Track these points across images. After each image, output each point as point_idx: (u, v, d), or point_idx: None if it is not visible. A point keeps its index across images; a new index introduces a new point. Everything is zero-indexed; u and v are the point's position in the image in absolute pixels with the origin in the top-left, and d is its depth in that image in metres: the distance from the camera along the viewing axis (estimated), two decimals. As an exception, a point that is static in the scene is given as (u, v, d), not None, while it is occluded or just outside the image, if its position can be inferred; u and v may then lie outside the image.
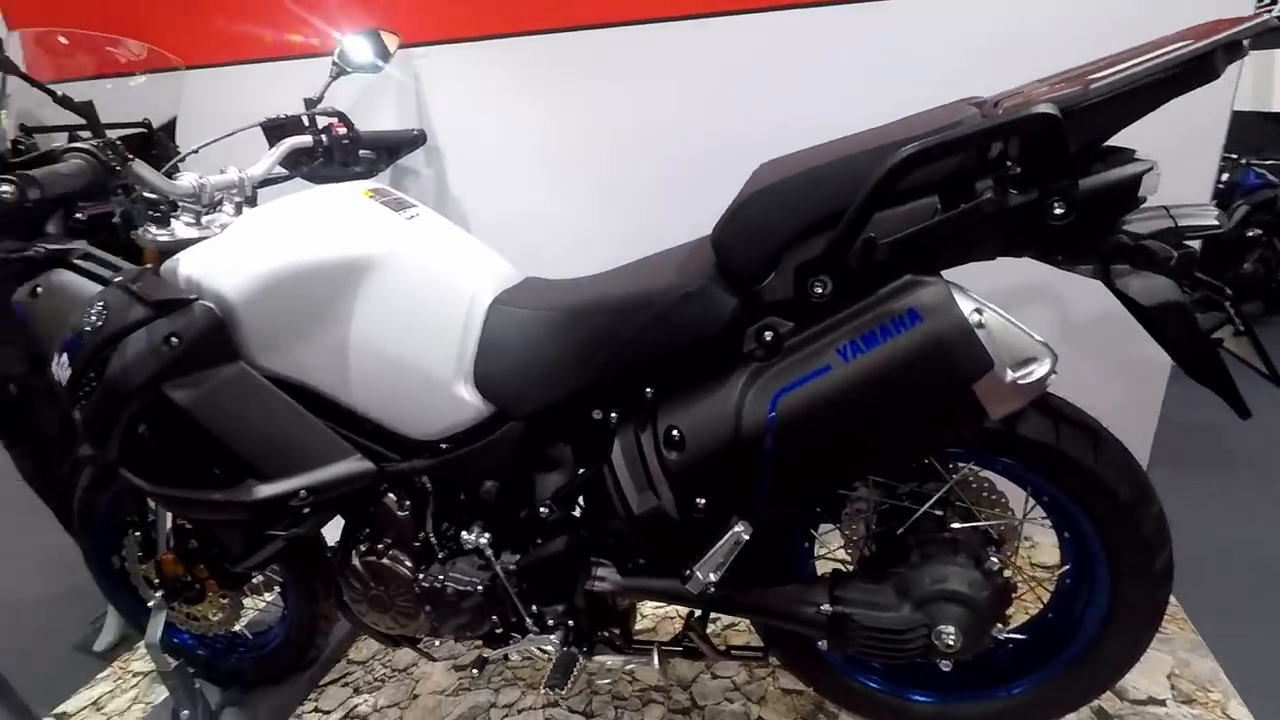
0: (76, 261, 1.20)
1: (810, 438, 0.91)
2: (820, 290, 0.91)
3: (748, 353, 0.95)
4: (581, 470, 1.15)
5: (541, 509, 1.15)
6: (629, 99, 1.61)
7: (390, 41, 1.59)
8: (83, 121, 1.13)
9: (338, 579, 1.27)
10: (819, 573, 1.19)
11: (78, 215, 1.13)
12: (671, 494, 0.98)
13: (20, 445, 1.92)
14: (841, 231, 0.86)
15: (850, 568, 1.18)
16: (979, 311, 0.83)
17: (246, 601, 1.57)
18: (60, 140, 1.28)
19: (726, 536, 0.96)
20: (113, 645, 1.98)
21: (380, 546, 1.20)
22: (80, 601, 2.00)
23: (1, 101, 1.18)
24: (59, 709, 1.75)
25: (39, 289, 1.19)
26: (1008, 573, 1.05)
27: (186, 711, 1.54)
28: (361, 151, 1.52)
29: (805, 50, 1.52)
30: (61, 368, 1.12)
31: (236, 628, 1.59)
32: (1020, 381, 0.83)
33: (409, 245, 1.10)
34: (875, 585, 1.06)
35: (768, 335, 0.94)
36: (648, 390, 1.03)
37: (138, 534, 1.46)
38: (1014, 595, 1.06)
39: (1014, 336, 0.84)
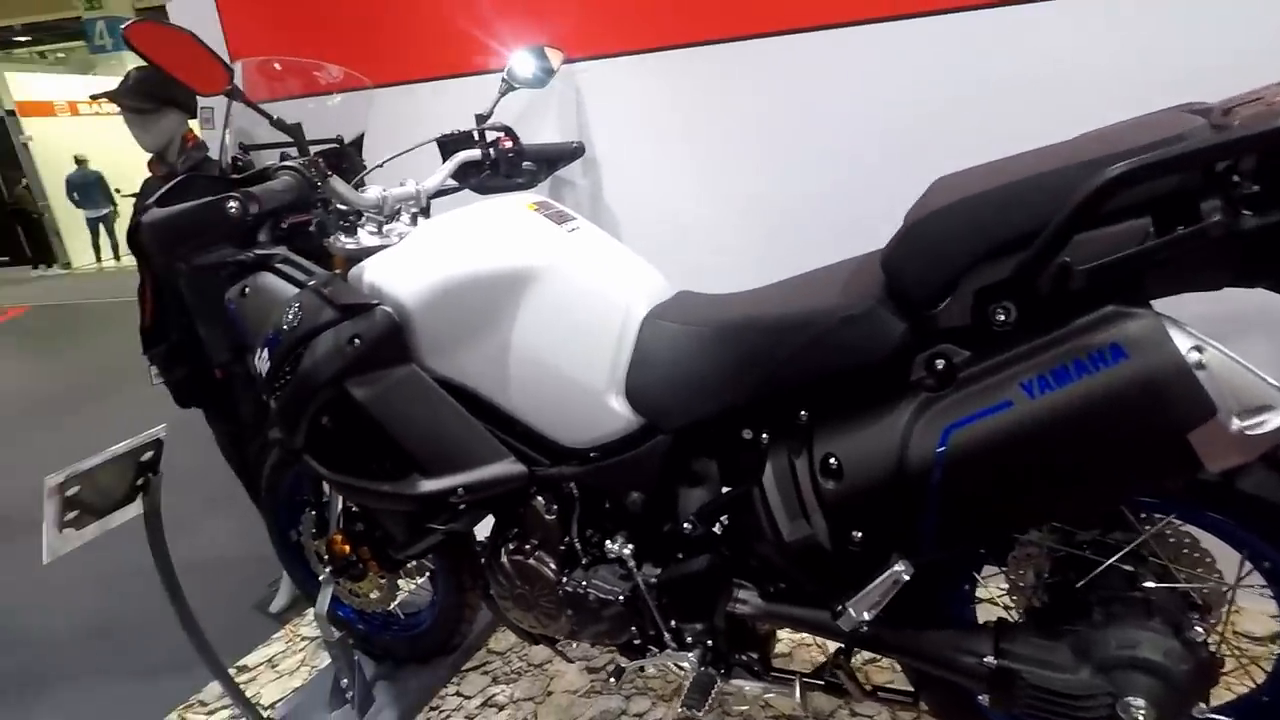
0: (278, 265, 1.33)
1: (984, 477, 0.84)
2: (1003, 318, 0.83)
3: (915, 381, 0.89)
4: (727, 489, 1.13)
5: (685, 524, 1.14)
6: (785, 111, 1.56)
7: (554, 57, 1.65)
8: (290, 141, 1.25)
9: (485, 574, 1.32)
10: (980, 619, 1.10)
11: (282, 225, 1.25)
12: (826, 524, 0.94)
13: (221, 424, 2.17)
14: (1035, 254, 0.78)
15: (1016, 617, 1.08)
16: (1199, 349, 0.73)
17: (402, 583, 1.67)
18: (270, 157, 1.43)
19: (885, 575, 0.90)
20: (285, 608, 2.19)
21: (527, 547, 1.24)
22: (261, 566, 2.22)
23: (227, 124, 1.33)
24: (241, 661, 1.95)
25: (247, 289, 1.33)
26: (1214, 644, 0.92)
27: (345, 680, 1.66)
28: (524, 163, 1.58)
29: (978, 57, 1.41)
30: (262, 361, 1.24)
31: (391, 607, 1.70)
32: (1249, 433, 0.72)
33: (569, 258, 1.13)
34: (1048, 641, 0.97)
35: (939, 364, 0.88)
36: (802, 413, 0.99)
37: (313, 513, 1.59)
38: (1221, 671, 0.93)
39: (1242, 379, 0.73)
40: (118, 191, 10.52)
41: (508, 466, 1.16)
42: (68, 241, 11.54)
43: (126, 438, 1.36)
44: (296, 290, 1.27)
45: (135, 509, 1.43)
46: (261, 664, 1.94)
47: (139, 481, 1.42)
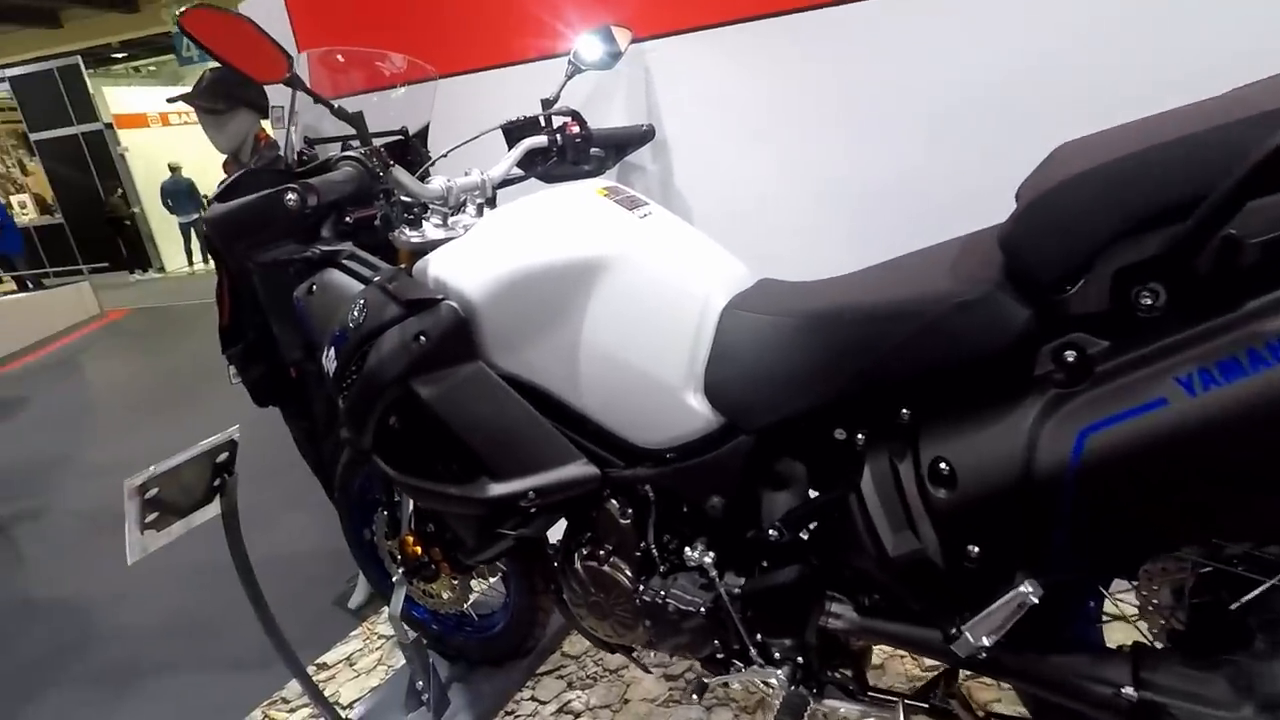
0: (344, 261, 1.30)
1: (1130, 487, 0.72)
2: (1150, 302, 0.71)
3: (1041, 376, 0.78)
4: (817, 493, 1.04)
5: (770, 531, 1.05)
6: (871, 83, 1.44)
7: (622, 37, 1.57)
8: (353, 131, 1.22)
9: (558, 579, 1.27)
10: (1108, 640, 0.98)
11: (347, 219, 1.21)
12: (937, 538, 0.84)
13: (297, 422, 2.20)
14: (1196, 226, 0.66)
15: (1151, 639, 0.95)
16: None
17: (474, 584, 1.64)
18: (334, 150, 1.40)
19: (1009, 597, 0.79)
20: (363, 604, 2.21)
21: (601, 553, 1.17)
22: (340, 561, 2.24)
23: (291, 118, 1.30)
24: (320, 659, 1.97)
25: (314, 287, 1.31)
26: None
27: (421, 683, 1.64)
28: (592, 149, 1.51)
29: (1093, 18, 1.26)
30: (329, 360, 1.21)
31: (464, 608, 1.67)
32: None
33: (642, 245, 1.06)
34: (1200, 672, 0.84)
35: (1070, 356, 0.76)
36: (904, 411, 0.88)
37: (385, 513, 1.57)
38: None
39: None
40: (206, 198, 11.07)
41: (580, 468, 1.10)
42: (162, 246, 12.22)
43: (221, 431, 1.37)
44: (362, 287, 1.24)
45: (213, 509, 1.44)
46: (340, 662, 1.96)
47: (215, 482, 1.43)
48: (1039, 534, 0.78)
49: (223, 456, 1.41)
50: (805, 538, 1.04)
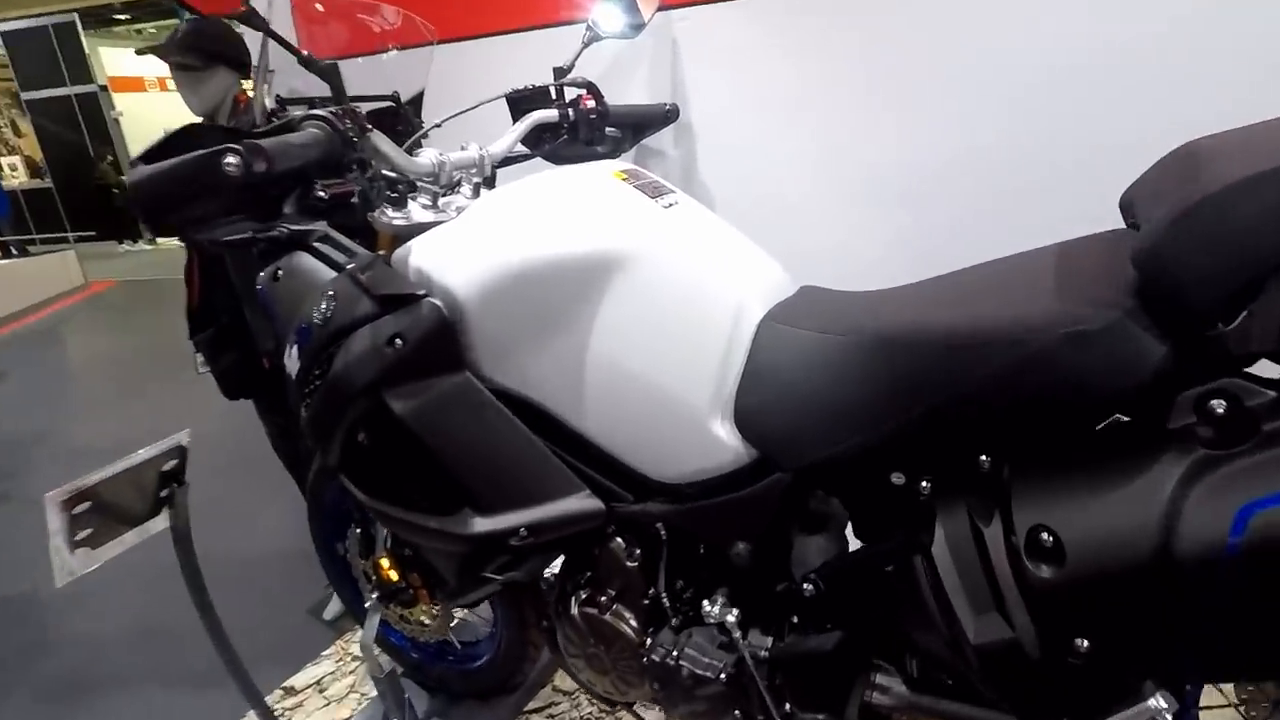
0: (315, 244, 1.12)
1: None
2: (1345, 342, 0.54)
3: (1180, 430, 0.61)
4: (864, 543, 0.87)
5: (805, 585, 0.88)
6: (928, 60, 1.26)
7: (647, 5, 1.38)
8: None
9: (552, 620, 1.09)
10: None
11: (319, 194, 1.03)
12: (1033, 624, 0.66)
13: (270, 416, 2.02)
14: None
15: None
16: None
17: (457, 610, 1.46)
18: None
19: (1135, 713, 0.62)
20: (339, 615, 2.03)
21: (603, 599, 1.00)
22: (319, 564, 2.08)
23: (262, 71, 1.12)
24: (288, 682, 1.80)
25: (279, 272, 1.13)
26: None
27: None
28: (608, 128, 1.33)
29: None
30: (292, 360, 1.04)
31: (447, 635, 1.50)
32: None
33: (666, 241, 0.88)
34: None
35: (1220, 406, 0.59)
36: (982, 458, 0.71)
37: (358, 530, 1.40)
38: None
39: None
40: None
41: (581, 502, 0.92)
42: (155, 217, 11.92)
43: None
44: (335, 274, 1.07)
45: (161, 523, 1.27)
46: (309, 686, 1.78)
47: (163, 493, 1.25)
48: (1174, 630, 0.61)
49: (170, 464, 1.23)
50: (848, 595, 0.87)
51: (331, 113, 0.84)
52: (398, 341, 0.88)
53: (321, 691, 1.76)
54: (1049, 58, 1.16)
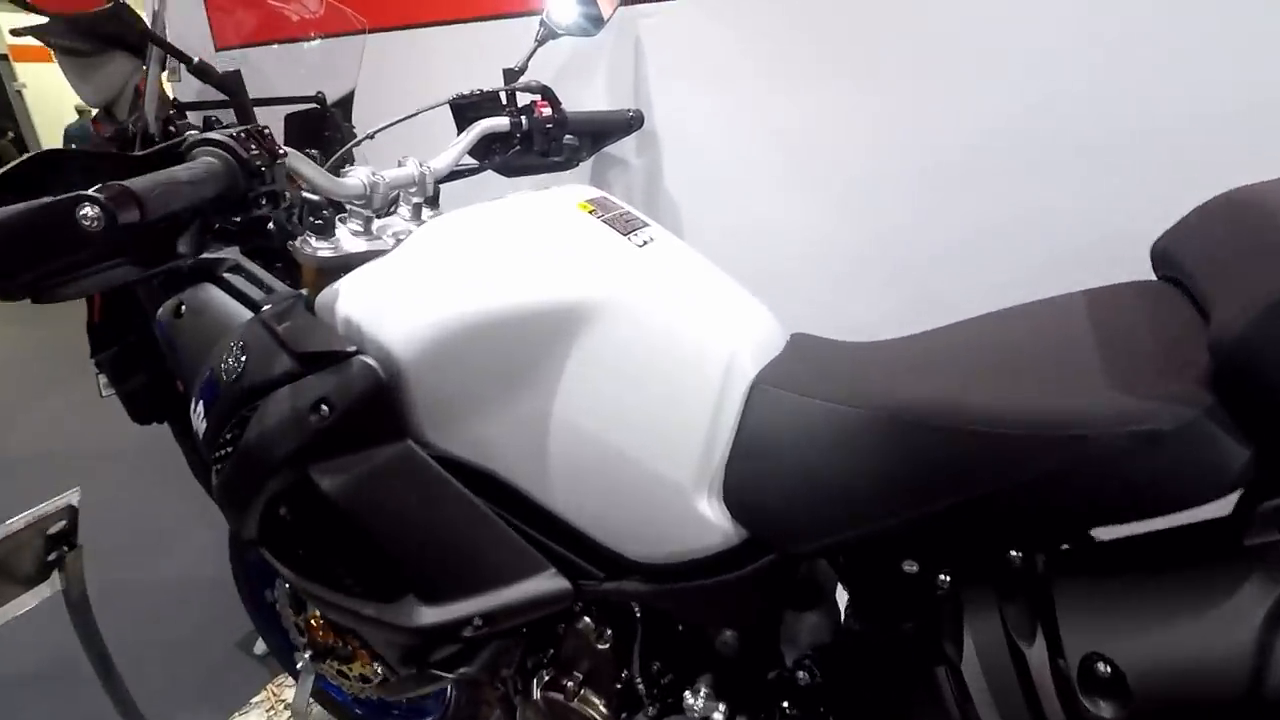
0: (225, 275, 0.96)
1: None
2: None
3: (1263, 546, 0.52)
4: (863, 623, 0.77)
5: (799, 672, 0.79)
6: (912, 67, 1.15)
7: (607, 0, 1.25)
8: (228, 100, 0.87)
9: (510, 698, 0.98)
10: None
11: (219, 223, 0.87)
12: None
13: (187, 440, 1.82)
14: None
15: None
16: None
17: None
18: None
19: None
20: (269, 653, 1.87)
21: (569, 683, 0.88)
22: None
23: (147, 64, 0.94)
24: (210, 734, 1.63)
25: (183, 307, 0.97)
26: None
27: (330, 789, 1.33)
28: (565, 137, 1.20)
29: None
30: (198, 418, 0.88)
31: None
32: None
33: (641, 288, 0.76)
34: None
35: None
36: (1013, 553, 0.62)
37: (288, 584, 1.24)
38: None
39: None
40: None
41: (545, 583, 0.80)
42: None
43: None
44: (247, 315, 0.91)
45: (50, 588, 1.10)
46: (234, 740, 1.62)
47: (51, 557, 1.08)
48: None
49: (58, 527, 1.06)
50: (848, 684, 0.77)
51: (234, 136, 0.69)
52: (324, 408, 0.74)
53: (249, 748, 1.60)
54: (1051, 48, 1.06)
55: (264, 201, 0.71)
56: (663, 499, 0.74)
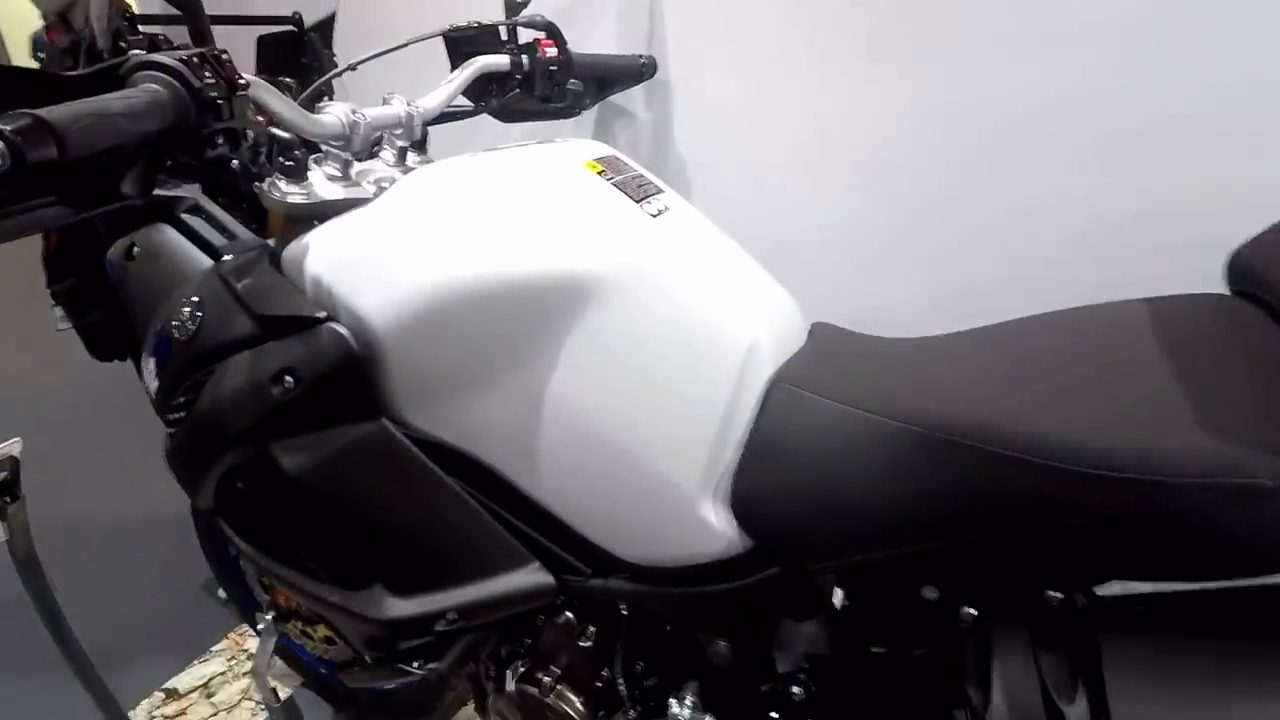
0: (184, 216, 0.86)
1: None
2: None
3: None
4: (874, 647, 0.72)
5: (794, 687, 0.74)
6: (965, 15, 1.04)
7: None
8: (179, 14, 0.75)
9: (483, 688, 0.93)
10: None
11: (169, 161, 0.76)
12: None
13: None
14: None
15: None
16: None
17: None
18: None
19: None
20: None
21: (545, 677, 0.83)
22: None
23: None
24: (170, 683, 1.59)
25: (135, 249, 0.87)
26: None
27: (291, 750, 1.29)
28: (569, 81, 1.09)
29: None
30: (149, 375, 0.80)
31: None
32: None
33: (653, 263, 0.68)
34: None
35: None
36: (1050, 594, 0.56)
37: (251, 545, 1.18)
38: None
39: None
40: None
41: (527, 577, 0.74)
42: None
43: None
44: (207, 263, 0.82)
45: (-5, 536, 1.03)
46: (195, 689, 1.58)
47: (-7, 506, 1.01)
48: None
49: None
50: (849, 703, 0.73)
51: (184, 60, 0.58)
52: (287, 380, 0.65)
53: (209, 697, 1.56)
54: (1091, 27, 0.96)
55: (220, 140, 0.61)
56: (662, 500, 0.67)
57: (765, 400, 0.65)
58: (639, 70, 1.17)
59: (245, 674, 1.61)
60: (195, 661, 1.65)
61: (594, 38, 1.22)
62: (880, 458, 0.59)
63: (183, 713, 1.52)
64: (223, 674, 1.61)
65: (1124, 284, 0.69)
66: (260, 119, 0.72)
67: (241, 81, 0.61)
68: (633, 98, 1.25)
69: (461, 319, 0.66)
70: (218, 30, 0.98)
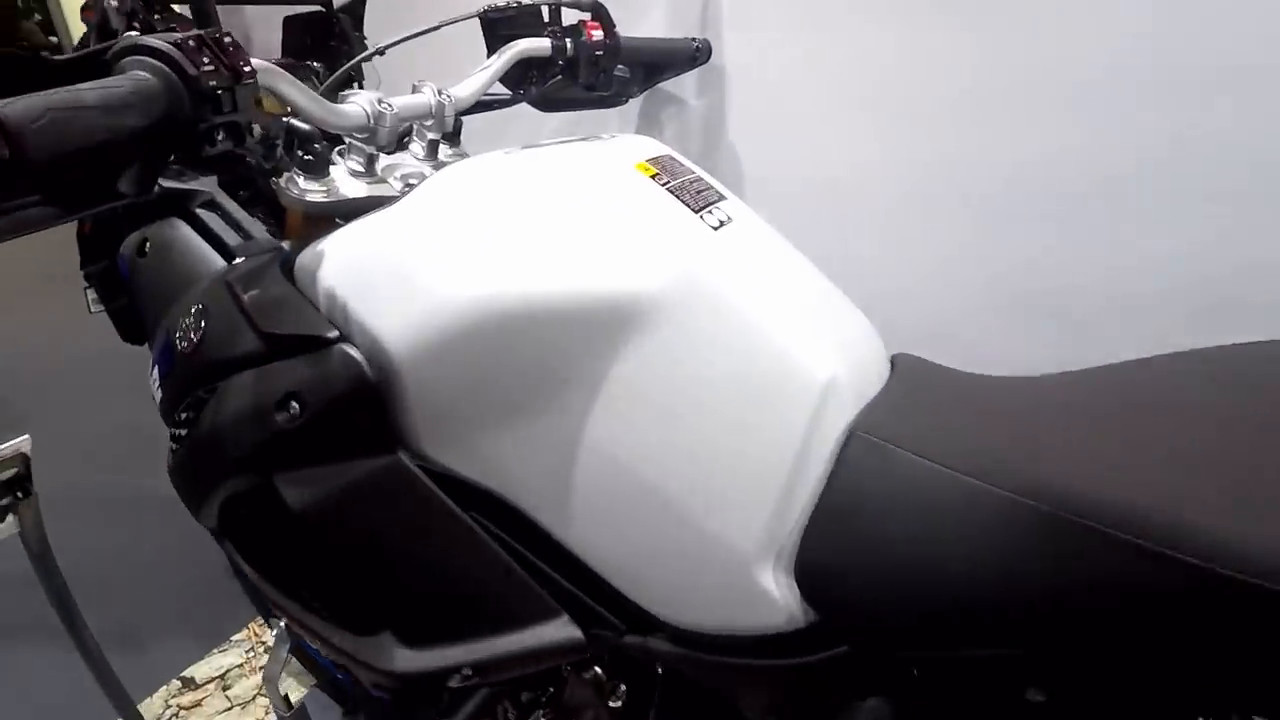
0: (198, 211, 0.80)
1: None
2: None
3: None
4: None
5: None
6: (1044, 30, 0.93)
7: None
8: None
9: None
10: None
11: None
12: None
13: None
14: None
15: None
16: None
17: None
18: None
19: None
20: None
21: (568, 729, 0.76)
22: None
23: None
24: (187, 672, 1.56)
25: (147, 244, 0.81)
26: None
27: (303, 758, 1.25)
28: (616, 68, 1.00)
29: None
30: (154, 382, 0.74)
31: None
32: None
33: (714, 285, 0.59)
34: None
35: None
36: None
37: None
38: None
39: None
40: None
41: (552, 631, 0.66)
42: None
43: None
44: (219, 264, 0.76)
45: (3, 532, 1.00)
46: (212, 680, 1.55)
47: (4, 502, 0.98)
48: None
49: (9, 473, 0.95)
50: None
51: (177, 44, 0.50)
52: (293, 406, 0.58)
53: (225, 690, 1.53)
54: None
55: (220, 136, 0.53)
56: (713, 561, 0.59)
57: (843, 452, 0.56)
58: (692, 55, 1.07)
59: (260, 669, 1.58)
60: (214, 650, 1.62)
61: (642, 18, 1.12)
62: (985, 534, 0.49)
63: (199, 704, 1.49)
64: (240, 666, 1.59)
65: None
66: (268, 112, 0.65)
67: (247, 69, 0.53)
68: (683, 85, 1.15)
69: (491, 343, 0.58)
70: (246, 11, 0.91)
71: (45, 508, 1.04)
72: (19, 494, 0.99)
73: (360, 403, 0.58)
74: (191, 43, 0.50)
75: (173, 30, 0.56)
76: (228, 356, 0.62)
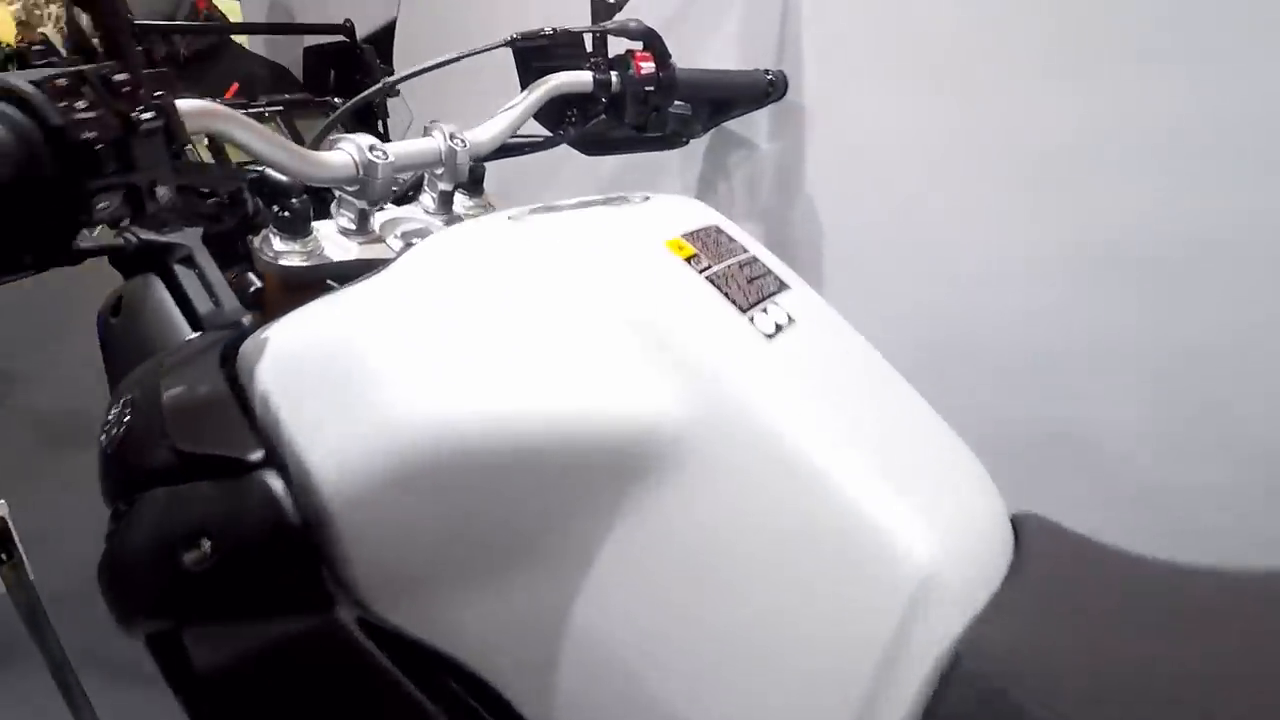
0: (176, 267, 0.70)
1: None
2: None
3: None
4: None
5: None
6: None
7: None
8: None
9: None
10: None
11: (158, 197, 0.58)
12: None
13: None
14: None
15: None
16: None
17: None
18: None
19: None
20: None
21: None
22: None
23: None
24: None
25: (121, 304, 0.72)
26: None
27: None
28: (673, 105, 0.86)
29: None
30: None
31: None
32: None
33: (762, 417, 0.43)
34: None
35: None
36: None
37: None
38: None
39: None
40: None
41: None
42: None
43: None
44: (184, 335, 0.66)
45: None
46: None
47: (-13, 568, 0.91)
48: None
49: (-14, 541, 0.87)
50: None
51: (45, 82, 0.37)
52: (204, 543, 0.45)
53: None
54: None
55: (103, 205, 0.40)
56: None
57: (944, 685, 0.38)
58: (765, 89, 0.91)
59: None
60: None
61: (707, 48, 0.97)
62: None
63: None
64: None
65: None
66: (236, 164, 0.54)
67: (146, 116, 0.41)
68: (753, 124, 0.98)
69: (457, 483, 0.43)
70: (268, 41, 0.82)
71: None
72: (2, 557, 0.92)
73: (281, 548, 0.44)
74: (63, 81, 0.37)
75: (53, 64, 0.45)
76: (144, 466, 0.50)
